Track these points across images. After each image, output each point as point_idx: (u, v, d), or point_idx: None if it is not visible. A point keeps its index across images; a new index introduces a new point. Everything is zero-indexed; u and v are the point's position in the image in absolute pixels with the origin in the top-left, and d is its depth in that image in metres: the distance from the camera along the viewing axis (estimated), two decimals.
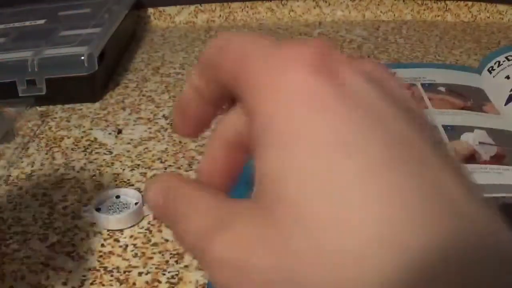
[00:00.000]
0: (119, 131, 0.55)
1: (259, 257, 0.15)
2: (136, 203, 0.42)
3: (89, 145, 0.52)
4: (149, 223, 0.41)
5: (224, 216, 0.16)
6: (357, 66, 0.17)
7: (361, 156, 0.14)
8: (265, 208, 0.15)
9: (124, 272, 0.37)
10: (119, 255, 0.38)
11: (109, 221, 0.41)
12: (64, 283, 0.36)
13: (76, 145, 0.52)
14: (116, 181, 0.47)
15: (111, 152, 0.51)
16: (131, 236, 0.40)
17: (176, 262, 0.38)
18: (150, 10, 0.85)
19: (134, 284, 0.36)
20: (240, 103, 0.18)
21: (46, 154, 0.51)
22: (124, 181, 0.46)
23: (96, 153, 0.51)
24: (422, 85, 0.59)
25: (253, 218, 0.15)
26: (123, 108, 0.59)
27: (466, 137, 0.49)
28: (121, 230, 0.41)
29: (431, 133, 0.16)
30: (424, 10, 0.85)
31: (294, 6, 0.85)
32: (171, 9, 0.85)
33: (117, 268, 0.37)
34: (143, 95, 0.62)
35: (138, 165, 0.49)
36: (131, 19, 0.79)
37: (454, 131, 0.49)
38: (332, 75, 0.16)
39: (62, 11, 0.74)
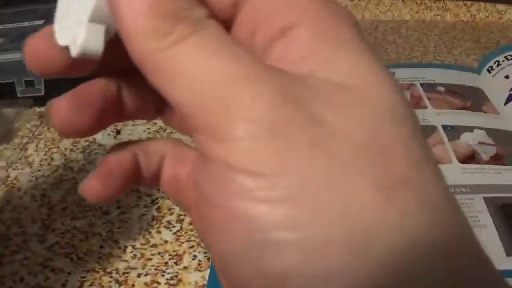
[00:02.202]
0: (118, 132, 0.54)
1: None
2: None
3: (88, 146, 0.52)
4: (148, 223, 0.41)
5: None
6: None
7: None
8: None
9: (123, 273, 0.37)
10: (118, 256, 0.38)
11: None
12: (63, 285, 0.35)
13: (75, 146, 0.52)
14: None
15: None
16: (129, 238, 0.40)
17: (175, 263, 0.37)
18: None
19: (133, 285, 0.36)
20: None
21: (45, 155, 0.51)
22: None
23: (95, 153, 0.51)
24: (421, 85, 0.59)
25: None
26: None
27: (466, 137, 0.48)
28: (120, 231, 0.41)
29: None
30: (423, 9, 0.85)
31: None
32: None
33: (116, 269, 0.37)
34: None
35: None
36: None
37: (454, 131, 0.49)
38: None
39: None
